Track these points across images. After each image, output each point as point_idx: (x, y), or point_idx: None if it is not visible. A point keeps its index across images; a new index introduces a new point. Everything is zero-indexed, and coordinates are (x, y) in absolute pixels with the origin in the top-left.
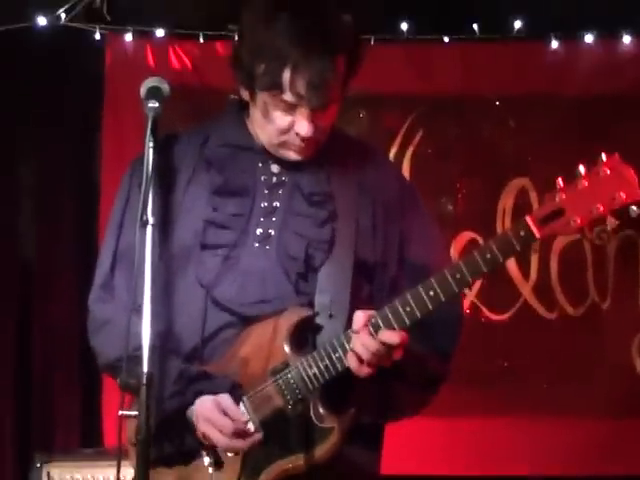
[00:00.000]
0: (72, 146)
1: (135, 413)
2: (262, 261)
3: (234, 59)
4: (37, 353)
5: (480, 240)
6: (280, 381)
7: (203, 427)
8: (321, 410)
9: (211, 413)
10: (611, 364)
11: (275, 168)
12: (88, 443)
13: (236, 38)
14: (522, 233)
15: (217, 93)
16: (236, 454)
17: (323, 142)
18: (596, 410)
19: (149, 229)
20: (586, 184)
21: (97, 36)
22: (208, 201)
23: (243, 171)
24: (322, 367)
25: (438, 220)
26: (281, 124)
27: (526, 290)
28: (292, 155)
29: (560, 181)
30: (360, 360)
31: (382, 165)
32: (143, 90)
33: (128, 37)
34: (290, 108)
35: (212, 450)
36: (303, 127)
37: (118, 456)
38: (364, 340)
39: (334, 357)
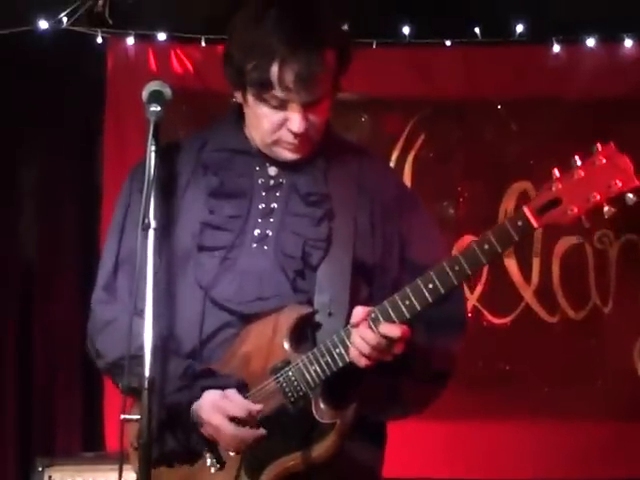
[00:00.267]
0: (74, 149)
1: (137, 417)
2: (260, 261)
3: (225, 58)
4: (38, 355)
5: None
6: (281, 378)
7: (211, 416)
8: (322, 406)
9: (221, 400)
10: (613, 368)
11: (272, 171)
12: (90, 447)
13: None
14: (520, 223)
15: (219, 97)
16: (237, 453)
17: (318, 141)
18: (598, 413)
19: (151, 232)
20: (582, 173)
21: (99, 40)
22: (205, 203)
23: (240, 174)
24: (323, 363)
25: (440, 223)
26: (273, 121)
27: (528, 294)
28: (287, 154)
29: (556, 171)
30: (361, 354)
31: (381, 169)
32: (145, 94)
33: (130, 41)
34: (281, 104)
35: (214, 449)
36: (295, 122)
37: (120, 460)
38: (363, 333)
39: (335, 353)
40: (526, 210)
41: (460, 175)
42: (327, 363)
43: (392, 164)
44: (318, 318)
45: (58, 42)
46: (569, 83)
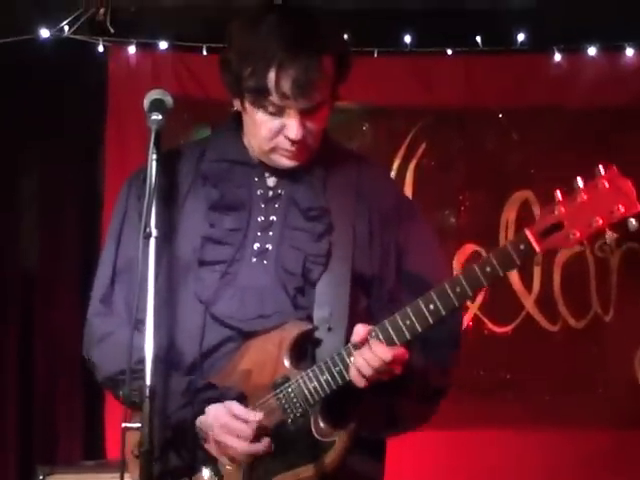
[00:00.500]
0: (75, 156)
1: (138, 425)
2: (260, 276)
3: (223, 64)
4: (39, 362)
5: (483, 252)
6: (281, 395)
7: (219, 435)
8: (321, 424)
9: (227, 419)
10: (614, 376)
11: (271, 181)
12: (90, 455)
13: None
14: (522, 247)
15: (219, 105)
16: (237, 466)
17: (316, 148)
18: (599, 421)
19: (152, 241)
20: (585, 197)
21: (100, 48)
22: (205, 217)
23: (239, 185)
24: (322, 381)
25: (441, 232)
26: (270, 127)
27: (529, 302)
28: (284, 161)
29: (559, 194)
30: (361, 374)
31: (379, 176)
32: (146, 102)
33: (131, 49)
34: (278, 111)
35: (214, 464)
36: (292, 129)
37: (121, 468)
38: (364, 354)
39: (334, 371)
40: (528, 233)
41: (461, 184)
42: (327, 381)
43: (394, 173)
44: (318, 334)
45: (59, 51)
46: (570, 92)
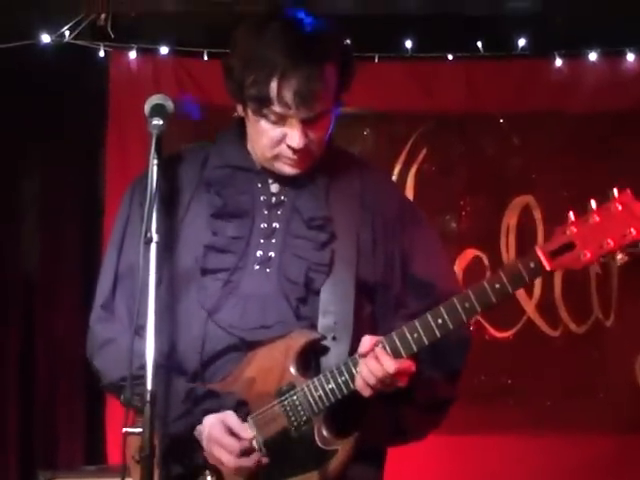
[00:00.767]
0: (76, 161)
1: (139, 430)
2: (263, 284)
3: (226, 71)
4: (40, 365)
5: (484, 257)
6: (285, 402)
7: (211, 448)
8: (325, 433)
9: (218, 434)
10: (615, 381)
11: (274, 188)
12: (91, 460)
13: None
14: (532, 265)
15: (221, 110)
16: (241, 476)
17: (319, 156)
18: (600, 426)
19: (153, 246)
20: (597, 219)
21: (101, 53)
22: (208, 224)
23: (242, 192)
24: (328, 390)
25: (442, 237)
26: (272, 136)
27: (530, 308)
28: (287, 169)
29: (571, 215)
30: (366, 384)
31: (383, 182)
32: (147, 108)
33: (132, 54)
34: (280, 120)
35: (214, 470)
36: (294, 139)
37: (122, 473)
38: (370, 365)
39: (340, 380)
40: (539, 252)
41: (462, 189)
42: (332, 390)
43: (394, 178)
44: (323, 342)
45: (61, 56)
46: (571, 97)
